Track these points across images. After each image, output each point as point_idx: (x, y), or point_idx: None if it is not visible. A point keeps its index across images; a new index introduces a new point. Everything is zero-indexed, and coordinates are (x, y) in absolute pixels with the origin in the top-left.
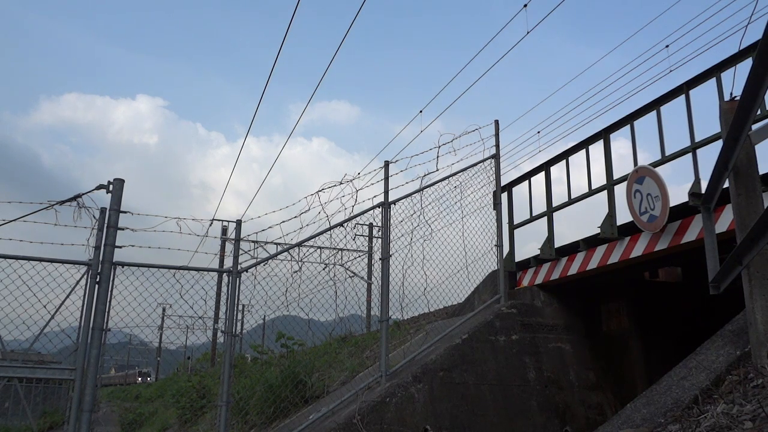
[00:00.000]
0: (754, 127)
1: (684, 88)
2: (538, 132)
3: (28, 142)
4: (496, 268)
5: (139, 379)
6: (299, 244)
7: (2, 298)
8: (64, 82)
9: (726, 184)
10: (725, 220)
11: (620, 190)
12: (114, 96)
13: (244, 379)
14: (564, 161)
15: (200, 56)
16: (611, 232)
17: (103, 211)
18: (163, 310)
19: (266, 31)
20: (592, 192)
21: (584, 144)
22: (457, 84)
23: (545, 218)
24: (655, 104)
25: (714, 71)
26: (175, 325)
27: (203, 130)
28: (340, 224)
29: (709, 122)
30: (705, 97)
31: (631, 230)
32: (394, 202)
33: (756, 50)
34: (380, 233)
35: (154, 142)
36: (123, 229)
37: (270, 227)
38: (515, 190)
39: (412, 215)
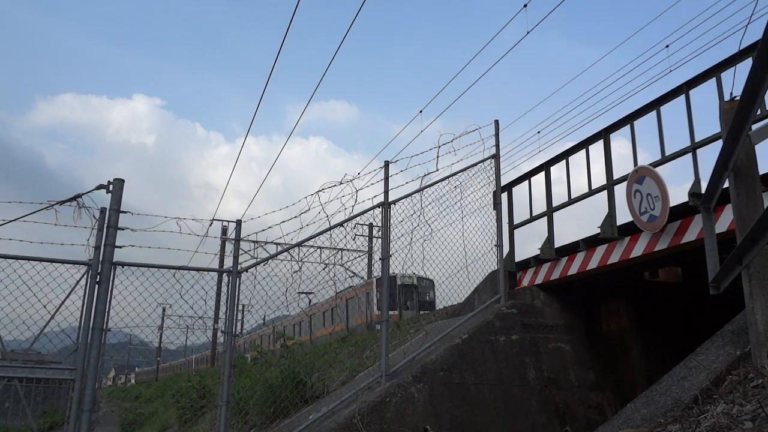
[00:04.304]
0: (754, 127)
1: (684, 88)
2: (538, 132)
3: (30, 143)
4: (496, 268)
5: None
6: (299, 244)
7: (2, 298)
8: (59, 81)
9: (726, 184)
10: (725, 220)
11: (620, 190)
12: (111, 96)
13: (244, 379)
14: (564, 161)
15: (197, 56)
16: (611, 232)
17: (103, 211)
18: (163, 310)
19: (263, 30)
20: (592, 192)
21: (584, 144)
22: (457, 84)
23: (545, 218)
24: (655, 104)
25: (714, 71)
26: (175, 325)
27: (202, 130)
28: (340, 224)
29: (709, 122)
30: (705, 97)
31: (631, 230)
32: (394, 202)
33: (756, 50)
34: (380, 233)
35: (152, 141)
36: (123, 229)
37: (270, 227)
38: (515, 190)
39: (412, 215)
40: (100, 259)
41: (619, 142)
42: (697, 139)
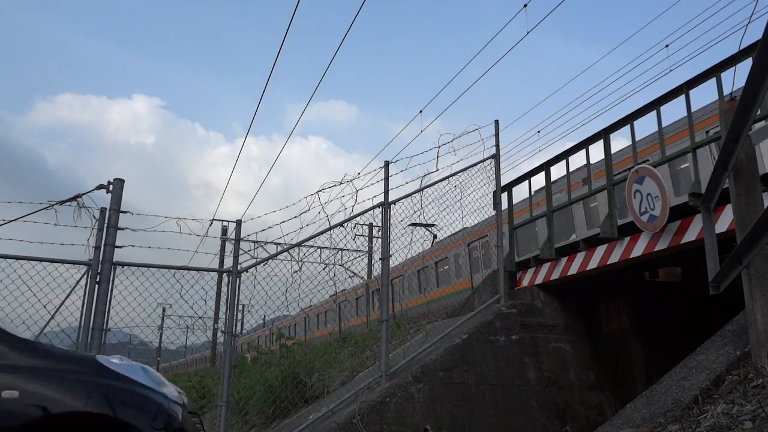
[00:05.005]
0: (755, 127)
1: (684, 88)
2: (538, 132)
3: (31, 143)
4: (496, 268)
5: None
6: (299, 244)
7: (2, 298)
8: (59, 81)
9: (726, 184)
10: (725, 220)
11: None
12: (110, 96)
13: (244, 379)
14: (564, 161)
15: (197, 56)
16: (611, 232)
17: (103, 211)
18: (163, 310)
19: (263, 30)
20: (592, 192)
21: (584, 144)
22: (457, 84)
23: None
24: (655, 104)
25: (714, 71)
26: (175, 325)
27: (202, 130)
28: (340, 224)
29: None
30: (705, 97)
31: (631, 230)
32: (394, 202)
33: (756, 50)
34: (380, 233)
35: (152, 141)
36: (123, 229)
37: (270, 227)
38: (515, 190)
39: (412, 215)
40: (100, 259)
41: (619, 143)
42: (697, 139)
